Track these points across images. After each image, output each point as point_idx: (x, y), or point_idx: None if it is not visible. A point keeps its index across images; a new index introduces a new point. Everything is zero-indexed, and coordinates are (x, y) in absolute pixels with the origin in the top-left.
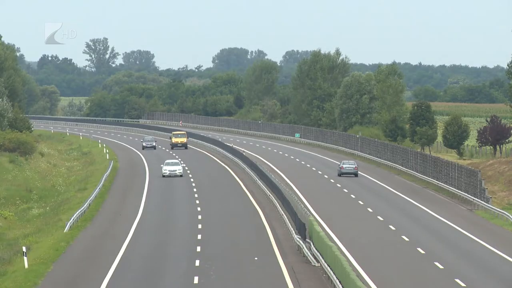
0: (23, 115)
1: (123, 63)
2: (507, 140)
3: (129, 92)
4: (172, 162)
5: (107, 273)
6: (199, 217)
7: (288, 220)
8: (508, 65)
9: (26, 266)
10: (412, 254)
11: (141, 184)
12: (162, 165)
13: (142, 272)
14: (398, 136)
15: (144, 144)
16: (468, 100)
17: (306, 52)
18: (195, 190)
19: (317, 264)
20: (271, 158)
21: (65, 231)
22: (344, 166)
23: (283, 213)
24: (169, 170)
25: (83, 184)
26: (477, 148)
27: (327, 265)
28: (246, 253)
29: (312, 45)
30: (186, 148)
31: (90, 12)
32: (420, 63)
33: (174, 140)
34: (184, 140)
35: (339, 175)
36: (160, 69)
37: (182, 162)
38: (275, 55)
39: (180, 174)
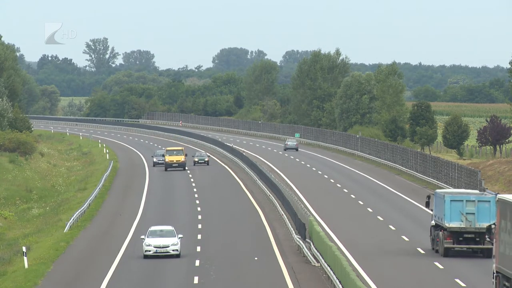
0: (23, 115)
1: (123, 63)
2: (507, 140)
3: (129, 92)
4: (160, 231)
5: (107, 273)
6: (199, 217)
7: (288, 220)
8: (510, 63)
9: (26, 266)
10: (412, 254)
11: (141, 184)
12: (143, 237)
13: (142, 272)
14: (398, 136)
15: (155, 159)
16: (468, 100)
17: (306, 52)
18: (195, 190)
19: (317, 264)
20: (271, 158)
21: (65, 231)
22: (288, 143)
23: (283, 213)
24: (155, 246)
25: (83, 184)
26: (477, 148)
27: (327, 265)
28: (246, 253)
29: (312, 45)
30: (184, 168)
31: (90, 12)
32: (420, 63)
33: (168, 158)
34: (181, 158)
35: (285, 149)
36: (160, 69)
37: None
38: (275, 55)
39: (177, 252)
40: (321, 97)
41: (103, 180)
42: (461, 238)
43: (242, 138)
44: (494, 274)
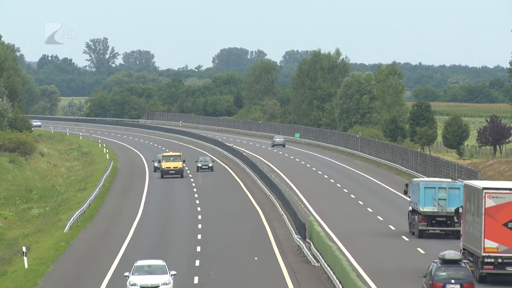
0: (23, 115)
1: (123, 63)
2: (507, 140)
3: (129, 92)
4: (148, 267)
5: (107, 273)
6: (199, 217)
7: (288, 220)
8: (510, 63)
9: (26, 266)
10: (412, 254)
11: (141, 184)
12: (127, 274)
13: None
14: (398, 136)
15: (156, 164)
16: (468, 100)
17: (306, 52)
18: (195, 190)
19: (317, 264)
20: (271, 158)
21: (65, 231)
22: (276, 140)
23: (283, 213)
24: (141, 286)
25: (83, 184)
26: (477, 148)
27: (327, 265)
28: (246, 253)
29: (312, 45)
30: (182, 176)
31: (90, 12)
32: (420, 63)
33: (164, 165)
34: (179, 165)
35: (272, 146)
36: (160, 69)
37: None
38: (275, 55)
39: None
40: (321, 97)
41: (103, 180)
42: (434, 221)
43: (242, 138)
44: (461, 251)
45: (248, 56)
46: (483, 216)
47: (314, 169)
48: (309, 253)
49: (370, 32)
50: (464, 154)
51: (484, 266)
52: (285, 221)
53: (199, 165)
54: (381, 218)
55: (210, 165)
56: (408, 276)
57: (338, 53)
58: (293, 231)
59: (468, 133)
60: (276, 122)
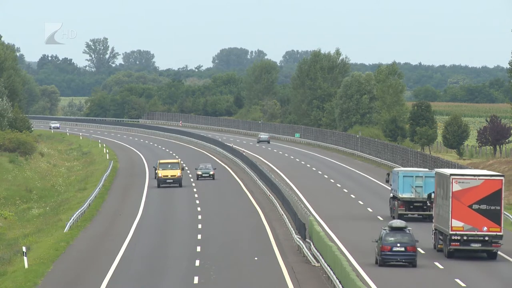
0: (23, 115)
1: (123, 63)
2: (507, 140)
3: (129, 92)
4: None
5: (107, 273)
6: (199, 217)
7: (288, 220)
8: (509, 63)
9: (26, 266)
10: None
11: (141, 184)
12: None
13: (142, 272)
14: (398, 136)
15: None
16: (468, 100)
17: (306, 52)
18: (195, 190)
19: (317, 264)
20: (271, 158)
21: (65, 231)
22: (261, 137)
23: (283, 213)
24: None
25: (83, 184)
26: (477, 148)
27: (327, 265)
28: (246, 253)
29: (312, 45)
30: (180, 185)
31: (90, 12)
32: (420, 63)
33: (161, 173)
34: (177, 173)
35: (258, 142)
36: (160, 69)
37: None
38: (275, 55)
39: None
40: (321, 97)
41: (103, 180)
42: (411, 206)
43: (242, 138)
44: (433, 231)
45: (248, 56)
46: (451, 199)
47: (314, 169)
48: (309, 253)
49: (370, 32)
50: (464, 154)
51: (452, 243)
52: (285, 221)
53: (199, 173)
54: (381, 218)
55: (211, 173)
56: (409, 276)
57: (338, 53)
58: (293, 231)
59: (468, 133)
60: (276, 122)
